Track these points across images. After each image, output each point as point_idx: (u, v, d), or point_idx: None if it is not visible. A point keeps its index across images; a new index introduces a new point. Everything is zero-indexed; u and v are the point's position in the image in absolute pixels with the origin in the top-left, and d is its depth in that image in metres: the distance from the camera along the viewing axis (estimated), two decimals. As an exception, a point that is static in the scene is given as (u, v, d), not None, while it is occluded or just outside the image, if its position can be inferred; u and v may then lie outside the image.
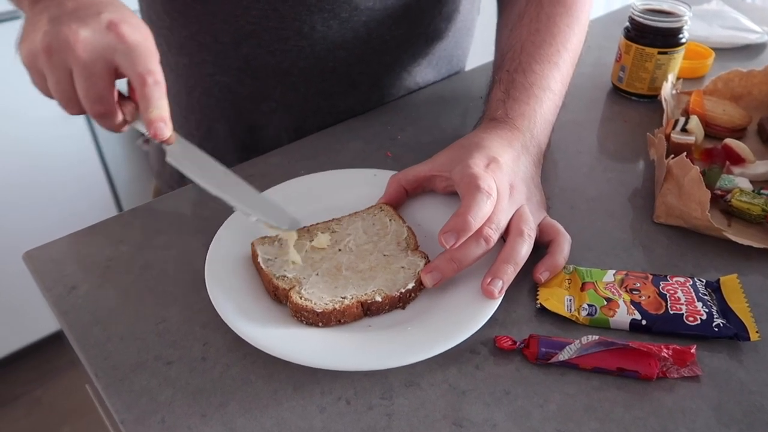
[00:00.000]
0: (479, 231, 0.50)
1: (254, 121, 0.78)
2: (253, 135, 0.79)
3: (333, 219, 0.58)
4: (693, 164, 0.57)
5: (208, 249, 0.53)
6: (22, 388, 1.72)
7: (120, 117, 0.49)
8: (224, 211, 0.58)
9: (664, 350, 0.46)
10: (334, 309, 0.48)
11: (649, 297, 0.51)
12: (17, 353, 1.73)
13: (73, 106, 0.48)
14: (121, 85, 0.50)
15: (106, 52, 0.46)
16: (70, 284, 0.55)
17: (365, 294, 0.49)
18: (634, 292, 0.51)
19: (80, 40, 0.45)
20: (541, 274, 0.53)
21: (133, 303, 0.53)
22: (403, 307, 0.51)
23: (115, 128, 0.51)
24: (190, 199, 0.66)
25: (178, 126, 0.81)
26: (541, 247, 0.55)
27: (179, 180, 0.84)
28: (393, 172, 0.62)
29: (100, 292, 0.54)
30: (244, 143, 0.80)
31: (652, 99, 0.83)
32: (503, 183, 0.54)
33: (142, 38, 0.47)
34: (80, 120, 1.50)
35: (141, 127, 0.50)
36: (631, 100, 0.84)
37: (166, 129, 0.48)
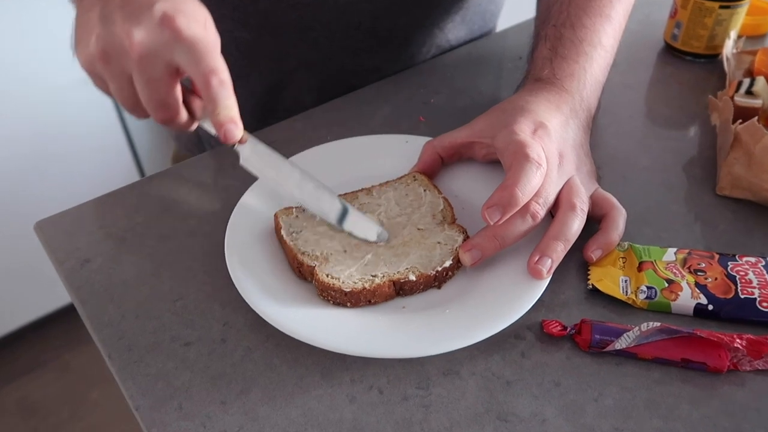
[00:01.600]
0: (526, 206, 0.45)
1: (275, 80, 0.73)
2: (273, 96, 0.74)
3: (362, 189, 0.53)
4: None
5: (228, 220, 0.49)
6: (51, 353, 1.74)
7: (185, 116, 0.45)
8: (247, 178, 0.54)
9: (737, 340, 0.41)
10: (364, 288, 0.43)
11: (716, 279, 0.46)
12: (46, 318, 1.74)
13: (140, 110, 0.45)
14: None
15: (164, 52, 0.41)
16: (83, 257, 0.51)
17: (398, 272, 0.45)
18: (698, 274, 0.46)
19: (135, 43, 0.40)
20: (593, 252, 0.48)
21: (149, 278, 0.49)
22: (439, 287, 0.46)
23: (183, 128, 0.47)
24: (210, 167, 0.62)
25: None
26: (592, 223, 0.50)
27: (198, 143, 0.80)
28: (427, 138, 0.57)
29: (114, 266, 0.51)
30: (264, 105, 0.75)
31: (710, 59, 0.76)
32: (552, 151, 0.48)
33: (200, 29, 0.42)
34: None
35: (210, 126, 0.46)
36: (685, 61, 0.77)
37: (237, 130, 0.43)
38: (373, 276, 0.44)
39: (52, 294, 1.69)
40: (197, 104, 0.46)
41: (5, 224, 1.47)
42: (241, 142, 0.46)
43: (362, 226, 0.48)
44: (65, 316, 1.76)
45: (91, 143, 1.52)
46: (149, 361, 0.43)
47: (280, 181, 0.48)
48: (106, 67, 0.42)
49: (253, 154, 0.47)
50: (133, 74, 0.42)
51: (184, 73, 0.43)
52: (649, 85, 0.73)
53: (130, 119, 1.57)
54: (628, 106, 0.68)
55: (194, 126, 0.47)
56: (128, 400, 0.41)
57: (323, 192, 0.49)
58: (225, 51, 0.77)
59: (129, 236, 0.53)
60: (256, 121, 0.73)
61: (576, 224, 0.46)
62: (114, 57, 0.41)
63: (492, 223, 0.44)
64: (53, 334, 1.77)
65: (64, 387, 1.67)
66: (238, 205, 0.51)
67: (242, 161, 0.47)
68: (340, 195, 0.52)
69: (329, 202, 0.49)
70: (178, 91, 0.43)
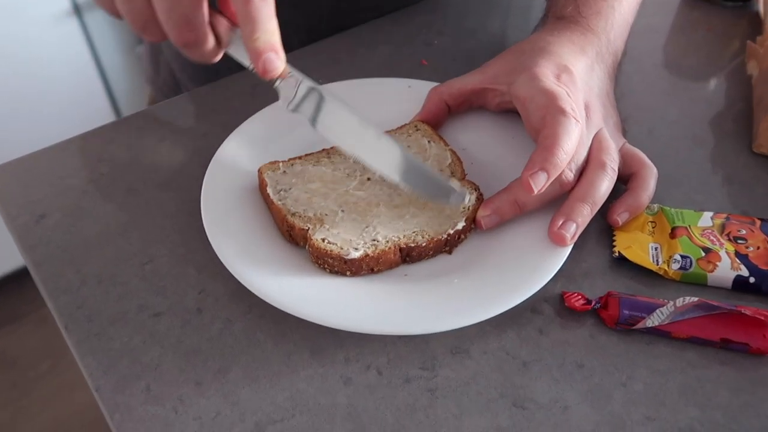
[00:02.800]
0: None
1: None
2: None
3: (359, 139, 0.46)
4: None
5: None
6: (29, 305, 1.69)
7: (212, 42, 0.36)
8: (228, 124, 0.48)
9: (787, 319, 0.36)
10: (366, 255, 0.38)
11: (758, 248, 0.41)
12: (23, 270, 1.68)
13: (153, 30, 0.35)
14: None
15: None
16: (39, 212, 0.45)
17: (404, 235, 0.39)
18: (739, 242, 0.41)
19: None
20: (619, 215, 0.42)
21: (115, 238, 0.43)
22: (450, 252, 0.41)
23: (207, 57, 0.37)
24: (187, 111, 0.55)
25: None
26: (616, 182, 0.45)
27: (174, 87, 0.72)
28: (432, 84, 0.50)
29: (74, 222, 0.44)
30: None
31: (740, 3, 0.69)
32: (578, 101, 0.42)
33: None
34: (74, 21, 1.36)
35: (241, 54, 0.37)
36: (713, 5, 0.70)
37: (278, 61, 0.35)
38: (376, 240, 0.39)
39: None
40: (224, 27, 0.37)
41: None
42: (281, 76, 0.37)
43: (429, 183, 0.40)
44: (43, 267, 1.71)
45: (62, 86, 1.42)
46: (113, 334, 0.37)
47: (337, 131, 0.39)
48: None
49: (298, 93, 0.38)
50: None
51: None
52: (675, 31, 0.66)
53: (106, 60, 1.47)
54: (652, 53, 0.62)
55: (219, 55, 0.38)
56: (87, 379, 0.36)
57: (387, 142, 0.40)
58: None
59: (92, 189, 0.47)
60: (237, 64, 0.66)
61: (605, 184, 0.41)
62: None
63: (537, 190, 0.38)
64: (31, 285, 1.71)
65: (43, 340, 1.63)
66: (215, 155, 0.45)
67: (283, 102, 0.38)
68: (332, 147, 0.46)
69: (393, 155, 0.40)
70: (206, 6, 0.35)
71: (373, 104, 0.51)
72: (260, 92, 0.55)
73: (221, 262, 0.38)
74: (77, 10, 1.33)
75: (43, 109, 1.41)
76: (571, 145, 0.39)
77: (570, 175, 0.40)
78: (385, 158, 0.39)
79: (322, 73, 0.57)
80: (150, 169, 0.48)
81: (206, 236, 0.39)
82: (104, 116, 1.52)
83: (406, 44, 0.62)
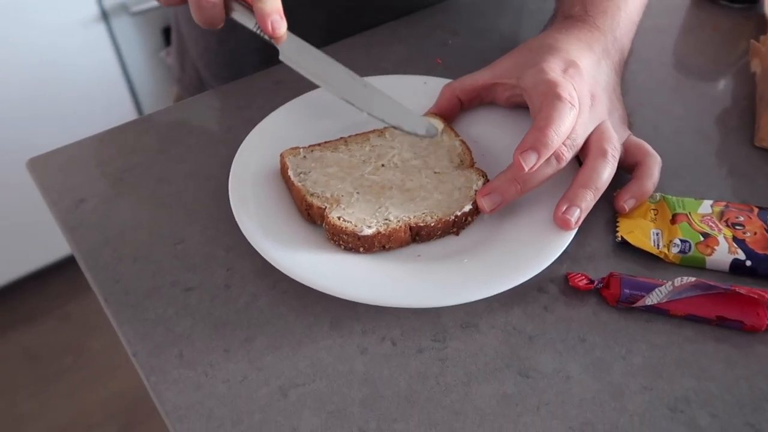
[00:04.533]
0: None
1: None
2: None
3: (374, 130, 0.49)
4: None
5: (232, 161, 0.46)
6: (53, 302, 1.73)
7: (220, 6, 0.43)
8: (252, 119, 0.51)
9: (779, 298, 0.38)
10: (378, 232, 0.40)
11: (755, 233, 0.43)
12: (48, 267, 1.72)
13: None
14: None
15: None
16: (78, 197, 0.48)
17: (415, 216, 0.42)
18: (736, 228, 0.43)
19: None
20: (626, 202, 0.44)
21: (148, 220, 0.46)
22: (457, 233, 0.43)
23: (215, 21, 0.44)
24: (212, 106, 0.58)
25: (190, 26, 0.72)
26: (622, 173, 0.47)
27: (199, 85, 0.75)
28: (446, 80, 0.53)
29: (110, 207, 0.48)
30: (267, 44, 0.71)
31: (747, 5, 0.71)
32: (584, 92, 0.45)
33: None
34: (101, 27, 1.41)
35: (246, 18, 0.44)
36: (720, 6, 0.71)
37: (282, 23, 0.42)
38: (388, 220, 0.41)
39: (54, 243, 1.66)
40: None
41: (3, 171, 1.43)
42: (281, 39, 0.45)
43: (408, 119, 0.46)
44: (67, 265, 1.75)
45: (89, 88, 1.47)
46: (148, 306, 0.41)
47: (324, 77, 0.46)
48: None
49: (296, 50, 0.46)
50: None
51: None
52: (682, 31, 0.68)
53: (131, 64, 1.51)
54: (660, 53, 0.64)
55: (223, 19, 0.44)
56: (125, 345, 0.39)
57: (370, 89, 0.47)
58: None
59: (126, 177, 0.50)
60: (260, 63, 0.69)
61: (607, 172, 0.43)
62: None
63: (527, 169, 0.40)
64: (55, 283, 1.76)
65: (66, 336, 1.67)
66: (242, 144, 0.48)
67: (282, 56, 0.46)
68: (354, 135, 0.49)
69: (375, 98, 0.46)
70: None
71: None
72: (282, 89, 0.58)
73: (247, 243, 0.41)
74: (104, 16, 1.38)
75: (72, 111, 1.46)
76: (565, 128, 0.41)
77: (566, 153, 0.42)
78: (360, 93, 0.46)
79: (342, 70, 0.60)
80: (179, 160, 0.51)
81: (233, 220, 0.42)
82: (129, 119, 1.56)
83: (422, 44, 0.64)
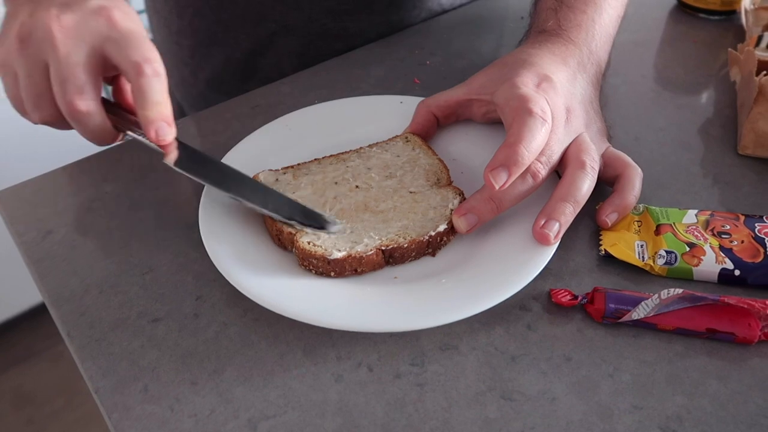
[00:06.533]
0: None
1: (252, 45, 0.68)
2: (252, 61, 0.69)
3: (350, 150, 0.48)
4: (796, 80, 0.46)
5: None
6: (45, 342, 1.71)
7: (107, 122, 0.40)
8: (225, 146, 0.50)
9: (770, 307, 0.36)
10: (349, 255, 0.39)
11: (742, 242, 0.41)
12: (40, 307, 1.70)
13: (44, 104, 0.39)
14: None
15: (94, 39, 0.37)
16: (45, 229, 0.47)
17: (387, 237, 0.40)
18: (723, 236, 0.42)
19: (62, 25, 0.37)
20: (608, 216, 0.43)
21: (117, 250, 0.45)
22: (433, 254, 0.42)
23: (106, 138, 0.41)
24: (189, 133, 0.57)
25: (171, 54, 0.72)
26: (603, 186, 0.46)
27: (179, 114, 0.75)
28: (422, 98, 0.52)
29: (79, 237, 0.46)
30: (242, 71, 0.70)
31: (725, 16, 0.71)
32: (558, 106, 0.44)
33: (136, 27, 0.38)
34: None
35: (138, 134, 0.40)
36: (698, 18, 0.71)
37: (170, 130, 0.38)
38: (358, 242, 0.40)
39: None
40: (121, 118, 0.41)
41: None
42: (168, 150, 0.40)
43: (312, 217, 0.42)
44: (58, 304, 1.73)
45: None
46: (112, 339, 0.39)
47: (223, 182, 0.42)
48: (22, 53, 0.38)
49: (187, 158, 0.41)
50: (49, 59, 0.37)
51: (110, 73, 0.39)
52: (661, 44, 0.68)
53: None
54: (640, 66, 0.63)
55: (119, 139, 0.42)
56: (87, 381, 0.37)
57: (270, 191, 0.43)
58: (199, 14, 0.72)
59: (96, 206, 0.49)
60: (236, 89, 0.69)
61: (586, 184, 0.42)
62: (33, 42, 0.37)
63: (498, 187, 0.39)
64: (46, 323, 1.73)
65: (59, 376, 1.64)
66: (214, 169, 0.46)
67: (170, 163, 0.40)
68: (328, 156, 0.48)
69: (278, 199, 0.43)
70: (100, 85, 0.39)
71: (367, 120, 0.53)
72: (259, 113, 0.57)
73: (217, 270, 0.39)
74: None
75: (48, 138, 1.45)
76: (536, 144, 0.40)
77: (542, 170, 0.41)
78: (262, 197, 0.42)
79: (320, 93, 0.60)
80: (152, 187, 0.50)
81: (203, 246, 0.41)
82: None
83: (399, 65, 0.64)
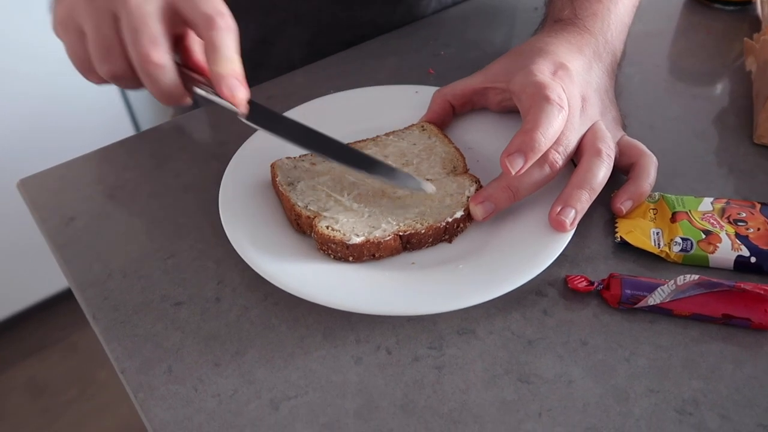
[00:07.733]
0: (544, 154, 0.41)
1: (261, 34, 0.68)
2: (261, 51, 0.70)
3: (366, 139, 0.49)
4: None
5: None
6: (59, 333, 1.73)
7: (178, 78, 0.39)
8: (243, 134, 0.50)
9: (786, 293, 0.36)
10: (367, 240, 0.39)
11: (758, 229, 0.41)
12: (54, 298, 1.72)
13: (114, 57, 0.38)
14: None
15: None
16: (69, 215, 0.48)
17: (404, 223, 0.41)
18: (739, 224, 0.42)
19: None
20: (623, 203, 0.43)
21: (138, 236, 0.46)
22: (450, 241, 0.42)
23: (175, 95, 0.40)
24: (205, 122, 0.58)
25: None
26: (618, 174, 0.46)
27: (194, 104, 0.75)
28: (437, 88, 0.53)
29: (101, 223, 0.47)
30: (252, 60, 0.70)
31: (739, 7, 0.71)
32: (574, 94, 0.44)
33: None
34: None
35: (207, 91, 0.40)
36: (713, 9, 0.71)
37: (242, 88, 0.38)
38: (376, 227, 0.41)
39: (57, 274, 1.66)
40: (188, 75, 0.41)
41: (8, 200, 1.44)
42: (241, 109, 0.40)
43: (395, 175, 0.42)
44: (70, 296, 1.75)
45: (86, 104, 1.48)
46: (137, 321, 0.40)
47: (299, 137, 0.42)
48: (89, 6, 0.37)
49: (259, 113, 0.41)
50: (119, 11, 0.37)
51: (180, 19, 0.38)
52: (676, 35, 0.68)
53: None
54: (654, 56, 0.63)
55: (186, 100, 0.41)
56: (113, 362, 0.38)
57: (352, 149, 0.43)
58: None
59: (118, 193, 0.50)
60: (247, 79, 0.69)
61: (602, 171, 0.42)
62: None
63: (513, 173, 0.40)
64: (61, 313, 1.75)
65: (72, 367, 1.66)
66: (233, 157, 0.47)
67: (243, 118, 0.41)
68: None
69: (361, 157, 0.43)
70: (171, 39, 0.38)
71: (382, 109, 0.53)
72: (274, 103, 0.57)
73: (238, 255, 0.40)
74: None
75: (72, 129, 1.47)
76: (553, 131, 0.40)
77: (558, 158, 0.41)
78: (340, 152, 0.42)
79: (334, 83, 0.60)
80: (171, 175, 0.51)
81: (224, 232, 0.41)
82: (125, 132, 1.58)
83: (413, 56, 0.64)
